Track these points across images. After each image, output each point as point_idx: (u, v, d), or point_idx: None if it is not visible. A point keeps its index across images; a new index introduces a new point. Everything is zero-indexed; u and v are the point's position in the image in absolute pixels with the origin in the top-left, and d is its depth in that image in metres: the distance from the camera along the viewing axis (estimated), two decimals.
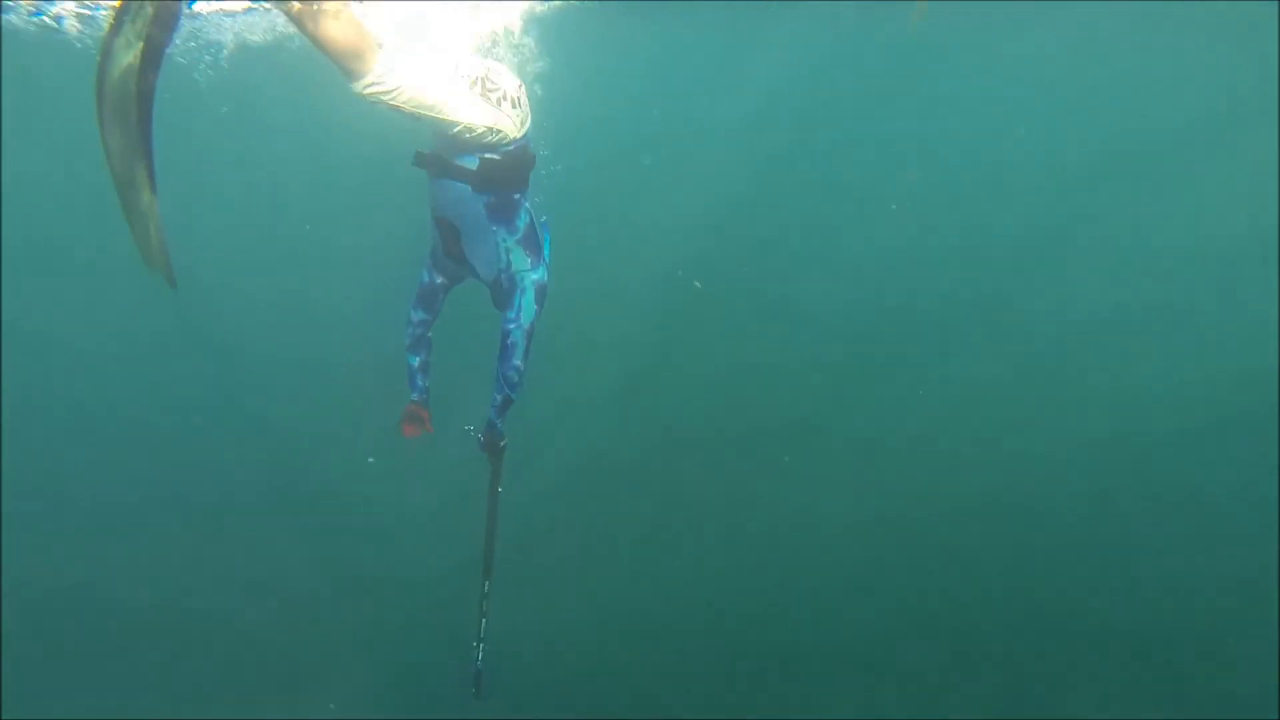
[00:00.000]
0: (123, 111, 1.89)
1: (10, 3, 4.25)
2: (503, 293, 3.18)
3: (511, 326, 3.10)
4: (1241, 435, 6.36)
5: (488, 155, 2.83)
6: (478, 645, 3.53)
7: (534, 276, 3.12)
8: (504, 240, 3.05)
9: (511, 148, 2.87)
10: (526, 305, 3.10)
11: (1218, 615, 5.38)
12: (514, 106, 2.80)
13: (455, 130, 2.70)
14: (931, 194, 7.64)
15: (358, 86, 2.40)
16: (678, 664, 5.41)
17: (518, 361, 3.13)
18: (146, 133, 1.88)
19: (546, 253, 3.23)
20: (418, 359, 3.61)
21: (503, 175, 2.88)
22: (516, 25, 4.35)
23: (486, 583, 3.47)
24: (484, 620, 3.51)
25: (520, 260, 3.09)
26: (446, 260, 3.28)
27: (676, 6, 6.34)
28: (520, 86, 2.86)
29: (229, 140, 7.05)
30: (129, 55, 1.84)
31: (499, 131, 2.79)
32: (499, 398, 3.26)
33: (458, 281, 3.47)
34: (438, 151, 2.90)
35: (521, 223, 3.08)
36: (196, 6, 3.94)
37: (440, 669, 4.69)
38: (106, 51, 1.89)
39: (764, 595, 5.83)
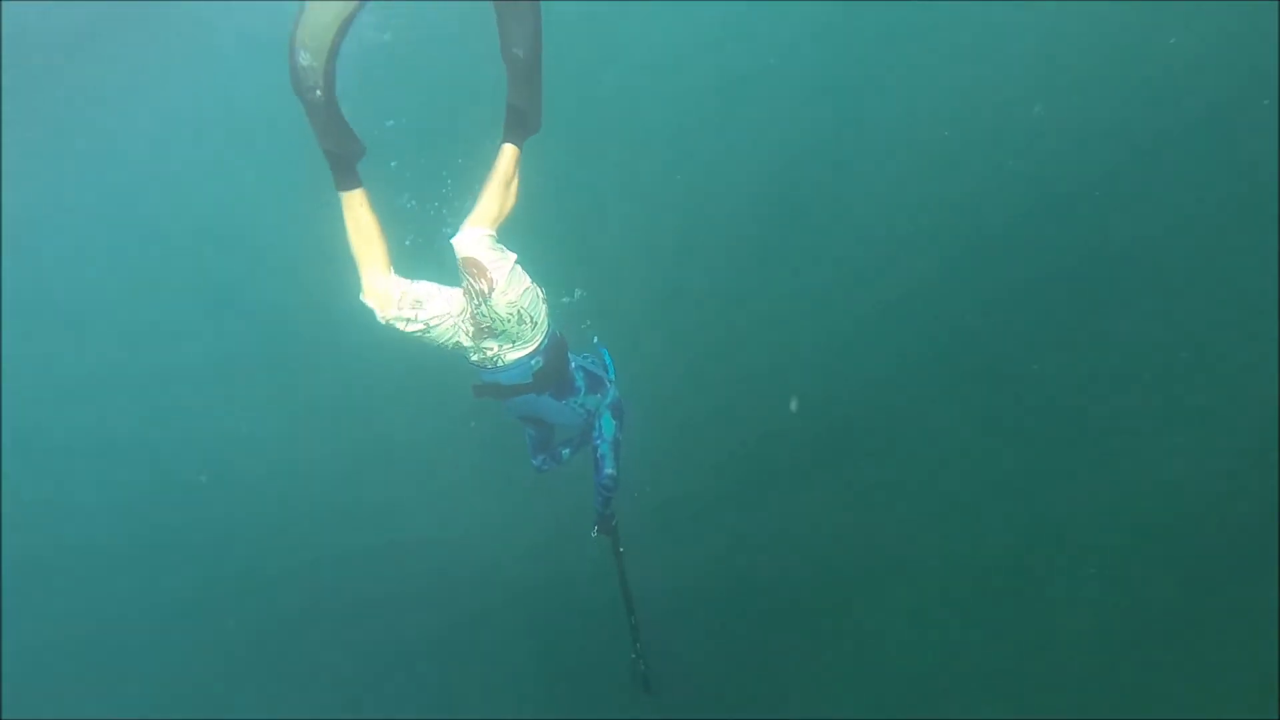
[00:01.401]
0: None
1: None
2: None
3: (599, 442, 3.54)
4: None
5: (534, 363, 3.03)
6: (636, 657, 4.03)
7: (607, 402, 3.56)
8: (575, 402, 3.42)
9: (547, 343, 3.05)
10: (607, 424, 3.55)
11: None
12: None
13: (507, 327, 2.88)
14: None
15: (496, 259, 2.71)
16: None
17: (610, 470, 3.52)
18: None
19: (611, 373, 3.65)
20: (566, 451, 3.83)
21: (552, 372, 3.14)
22: None
23: (633, 617, 3.94)
24: (636, 641, 3.98)
25: (594, 401, 3.50)
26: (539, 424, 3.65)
27: None
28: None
29: None
30: None
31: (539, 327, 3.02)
32: (600, 499, 3.61)
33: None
34: (486, 380, 3.10)
35: (581, 381, 3.42)
36: None
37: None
38: None
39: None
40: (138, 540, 7.00)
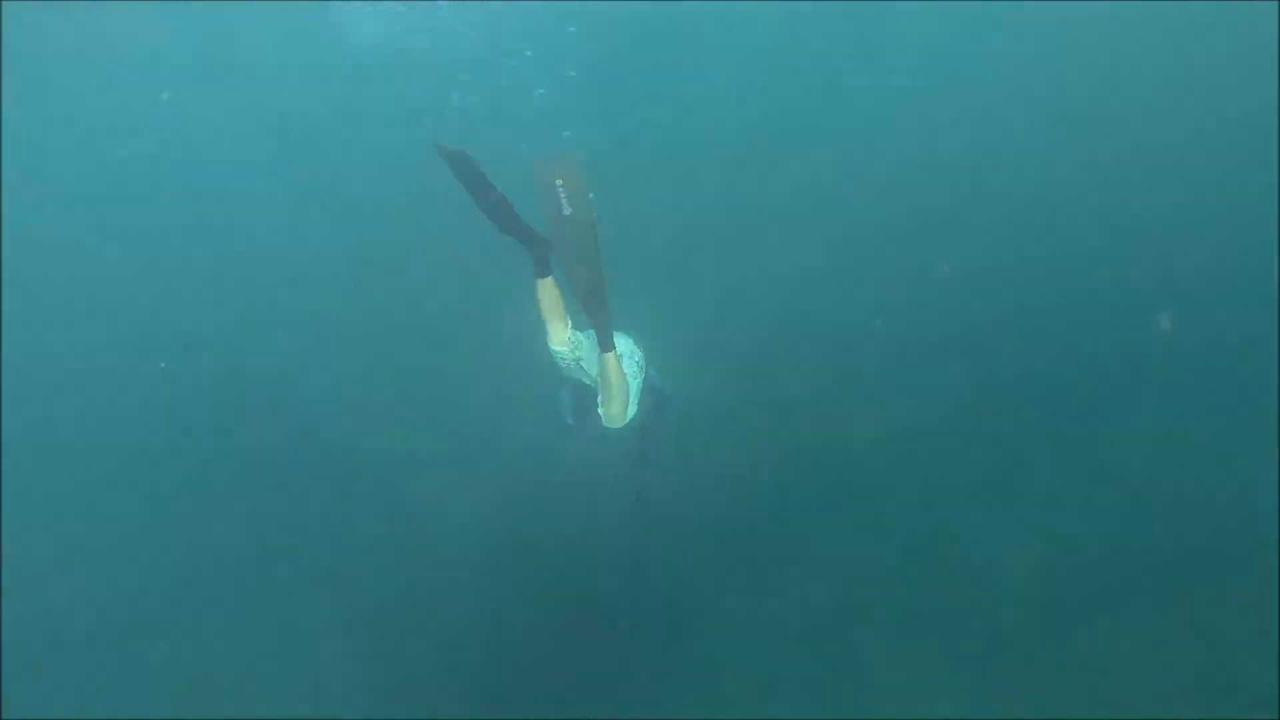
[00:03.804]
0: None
1: None
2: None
3: (654, 377, 4.14)
4: None
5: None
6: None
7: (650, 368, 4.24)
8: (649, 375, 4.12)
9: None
10: (652, 376, 4.16)
11: None
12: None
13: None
14: None
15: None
16: None
17: (659, 384, 4.15)
18: None
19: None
20: (580, 389, 4.20)
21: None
22: None
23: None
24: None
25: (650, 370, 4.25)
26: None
27: None
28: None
29: None
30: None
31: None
32: (658, 411, 4.17)
33: None
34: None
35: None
36: None
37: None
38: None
39: None
40: (137, 538, 6.97)
